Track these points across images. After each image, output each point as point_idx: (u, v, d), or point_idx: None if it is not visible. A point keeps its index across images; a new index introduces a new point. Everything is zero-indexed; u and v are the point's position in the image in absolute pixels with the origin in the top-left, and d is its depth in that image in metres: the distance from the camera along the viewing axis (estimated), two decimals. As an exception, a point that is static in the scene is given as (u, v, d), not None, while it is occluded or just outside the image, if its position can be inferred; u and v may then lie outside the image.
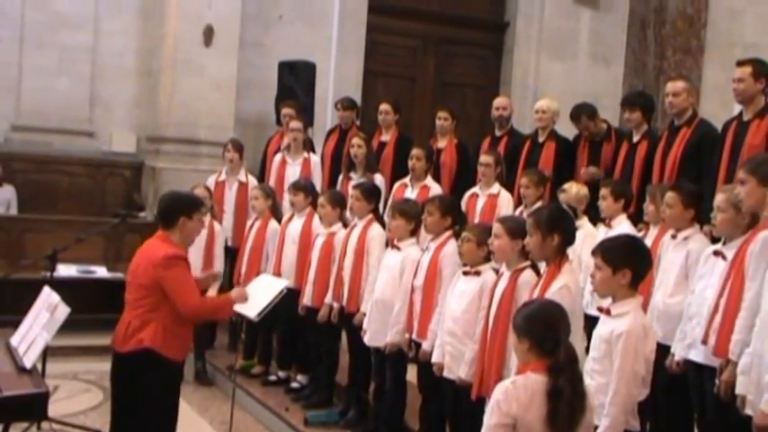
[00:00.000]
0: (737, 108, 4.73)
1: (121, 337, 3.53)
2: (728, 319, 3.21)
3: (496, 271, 3.88)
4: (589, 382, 2.78)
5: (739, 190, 3.31)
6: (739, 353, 3.12)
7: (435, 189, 5.58)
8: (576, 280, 3.33)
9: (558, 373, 2.46)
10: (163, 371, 3.49)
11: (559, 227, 3.32)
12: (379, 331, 4.46)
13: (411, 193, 5.55)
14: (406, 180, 5.72)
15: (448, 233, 4.25)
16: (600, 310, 3.04)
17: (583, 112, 5.68)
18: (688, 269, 3.77)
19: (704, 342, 3.36)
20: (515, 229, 3.58)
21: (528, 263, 3.58)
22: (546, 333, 2.52)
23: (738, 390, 3.06)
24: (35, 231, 6.56)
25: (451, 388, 3.90)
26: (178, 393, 3.67)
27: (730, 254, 3.42)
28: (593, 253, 3.03)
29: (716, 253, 3.53)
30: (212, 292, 5.68)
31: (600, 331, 2.98)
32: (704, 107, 6.87)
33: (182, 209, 3.65)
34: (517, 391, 2.47)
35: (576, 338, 3.08)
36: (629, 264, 2.94)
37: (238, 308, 4.54)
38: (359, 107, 6.85)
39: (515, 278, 3.56)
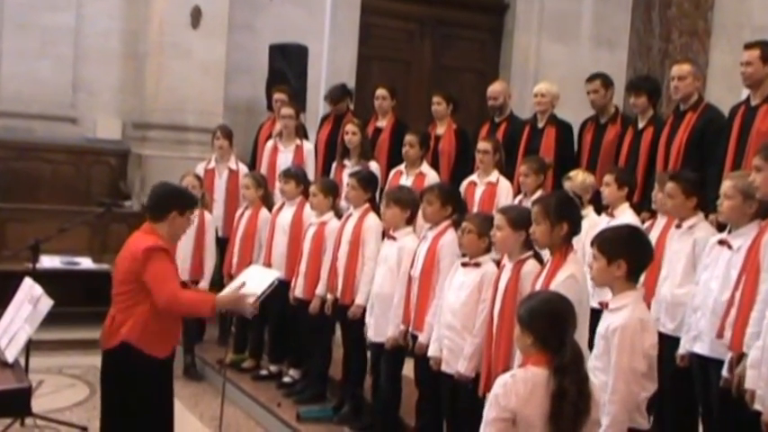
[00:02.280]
0: (745, 92, 4.68)
1: (106, 334, 3.46)
2: (744, 313, 3.18)
3: (497, 262, 3.81)
4: (592, 379, 2.68)
5: (754, 176, 3.27)
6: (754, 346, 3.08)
7: (431, 176, 5.53)
8: (581, 270, 3.27)
9: (564, 373, 2.41)
10: (144, 366, 3.38)
11: (568, 215, 3.30)
12: (381, 326, 4.39)
13: (406, 181, 5.51)
14: (401, 167, 5.67)
15: (447, 222, 4.18)
16: (600, 304, 3.01)
17: (600, 77, 5.61)
18: (696, 258, 3.73)
19: (720, 336, 3.30)
20: (518, 219, 3.53)
21: (530, 252, 3.54)
22: (551, 330, 2.47)
23: (747, 384, 3.04)
24: (17, 221, 6.45)
25: (449, 383, 3.84)
26: (168, 390, 3.58)
27: (736, 243, 3.40)
28: (592, 243, 3.00)
29: (721, 242, 3.48)
30: (204, 284, 5.60)
31: (599, 327, 2.95)
32: (711, 91, 6.81)
33: (176, 202, 3.55)
34: (516, 384, 2.43)
35: (583, 330, 3.06)
36: (623, 255, 2.89)
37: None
38: (351, 92, 6.76)
39: (518, 269, 3.52)
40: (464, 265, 3.84)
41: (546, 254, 3.49)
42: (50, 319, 3.77)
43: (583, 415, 2.41)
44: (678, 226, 3.88)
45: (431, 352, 3.92)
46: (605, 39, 8.88)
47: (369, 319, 4.48)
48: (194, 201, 3.74)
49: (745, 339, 3.11)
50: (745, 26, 7.31)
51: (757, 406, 2.96)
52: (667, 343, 3.61)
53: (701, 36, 7.93)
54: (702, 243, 3.71)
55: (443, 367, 3.84)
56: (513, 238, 3.54)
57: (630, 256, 2.90)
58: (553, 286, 3.11)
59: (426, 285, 4.07)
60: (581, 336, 2.98)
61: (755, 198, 3.37)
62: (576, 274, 3.18)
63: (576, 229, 3.32)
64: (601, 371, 2.86)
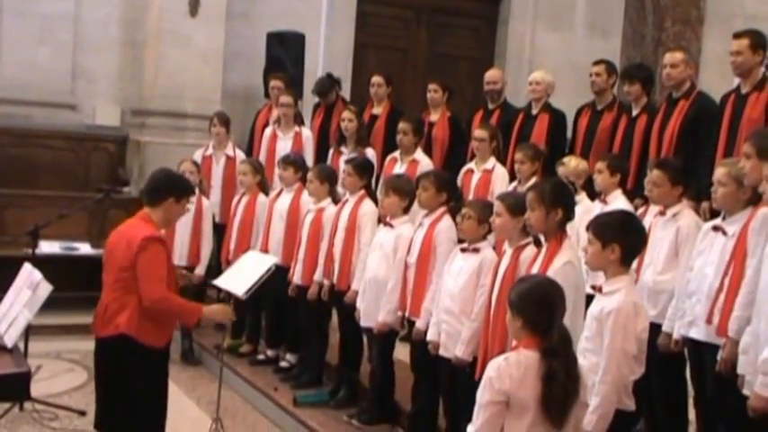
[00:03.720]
0: (737, 80, 4.68)
1: (100, 321, 3.43)
2: (732, 298, 3.19)
3: (495, 248, 3.85)
4: (582, 360, 2.76)
5: (743, 163, 3.28)
6: (737, 330, 3.11)
7: (425, 163, 5.52)
8: (577, 255, 3.31)
9: (553, 355, 2.44)
10: (141, 357, 3.37)
11: (562, 201, 3.33)
12: (372, 311, 4.39)
13: (400, 168, 5.50)
14: (396, 154, 5.66)
15: (442, 209, 4.19)
16: (593, 288, 3.03)
17: (605, 63, 5.66)
18: (678, 246, 3.74)
19: (709, 321, 3.31)
20: (516, 206, 3.55)
21: (530, 239, 3.55)
22: (540, 314, 2.50)
23: (739, 369, 3.07)
24: (16, 207, 6.45)
25: (447, 367, 3.85)
26: (164, 378, 3.56)
27: (731, 229, 3.39)
28: (587, 227, 3.03)
29: (715, 228, 3.48)
30: (200, 270, 5.60)
31: (592, 309, 2.97)
32: (703, 79, 6.82)
33: (173, 189, 3.55)
34: (510, 367, 2.45)
35: (579, 315, 3.10)
36: (618, 239, 2.93)
37: (225, 285, 4.49)
38: (338, 80, 6.74)
39: (517, 256, 3.53)
40: (463, 250, 3.85)
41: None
42: (49, 304, 3.76)
43: (572, 397, 2.45)
44: (662, 213, 3.89)
45: (429, 336, 3.93)
46: (599, 27, 8.87)
47: (359, 304, 4.48)
48: (191, 189, 3.72)
49: (730, 324, 3.13)
50: (738, 15, 7.32)
51: (746, 391, 2.97)
52: (651, 329, 3.58)
53: (694, 24, 7.95)
54: (685, 230, 3.72)
55: (441, 351, 3.85)
56: (511, 225, 3.55)
57: (624, 241, 2.94)
58: (551, 272, 3.13)
59: (423, 271, 4.08)
60: (577, 319, 3.04)
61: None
62: (572, 260, 3.21)
63: (570, 215, 3.35)
64: (591, 352, 2.90)
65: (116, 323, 3.35)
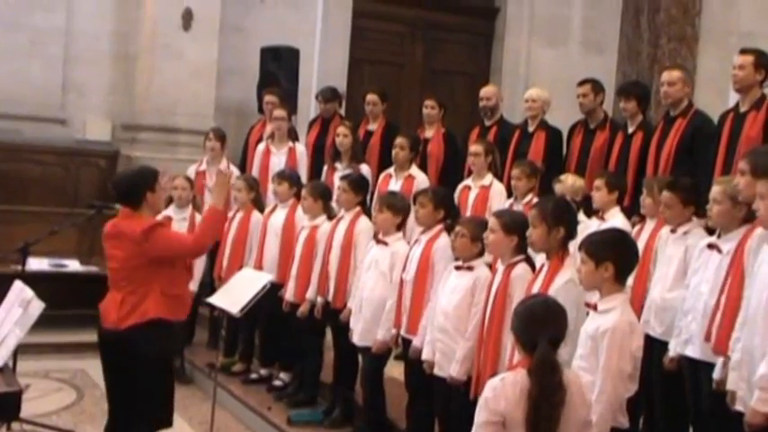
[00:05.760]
0: (732, 98, 4.73)
1: (116, 316, 3.52)
2: (728, 316, 3.19)
3: (489, 266, 3.82)
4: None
5: (738, 179, 3.30)
6: None
7: (420, 179, 5.52)
8: None
9: (532, 377, 2.42)
10: (167, 335, 3.60)
11: (564, 219, 3.33)
12: (369, 330, 4.35)
13: (395, 184, 5.49)
14: (391, 170, 5.66)
15: (440, 226, 4.17)
16: (587, 305, 3.03)
17: (591, 82, 5.65)
18: (687, 264, 3.72)
19: (707, 339, 3.31)
20: (511, 224, 3.54)
21: (522, 256, 3.54)
22: (523, 332, 2.51)
23: (729, 385, 3.07)
24: (5, 223, 6.38)
25: (442, 386, 3.82)
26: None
27: (726, 247, 3.40)
28: (579, 246, 3.03)
29: (710, 246, 3.49)
30: (193, 287, 5.53)
31: (587, 327, 2.97)
32: (698, 97, 6.82)
33: (144, 184, 3.65)
34: (506, 388, 2.44)
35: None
36: (611, 258, 2.94)
37: (220, 303, 4.44)
38: (341, 96, 6.75)
39: (508, 273, 3.52)
40: (457, 268, 3.83)
41: (537, 258, 3.51)
42: (37, 322, 3.75)
43: (549, 421, 2.39)
44: (673, 231, 3.88)
45: (424, 355, 3.89)
46: (595, 43, 8.92)
47: (355, 323, 4.43)
48: (156, 171, 3.78)
49: (730, 343, 3.12)
50: (733, 32, 7.37)
51: (739, 407, 2.98)
52: (656, 347, 3.64)
53: (689, 41, 7.97)
54: (693, 249, 3.69)
55: (436, 371, 3.82)
56: (505, 242, 3.54)
57: (617, 259, 2.94)
58: (552, 290, 3.12)
59: (420, 289, 4.05)
60: (578, 338, 3.00)
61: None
62: (574, 278, 3.18)
63: (572, 232, 3.35)
64: (586, 370, 2.88)
65: (141, 311, 3.51)
